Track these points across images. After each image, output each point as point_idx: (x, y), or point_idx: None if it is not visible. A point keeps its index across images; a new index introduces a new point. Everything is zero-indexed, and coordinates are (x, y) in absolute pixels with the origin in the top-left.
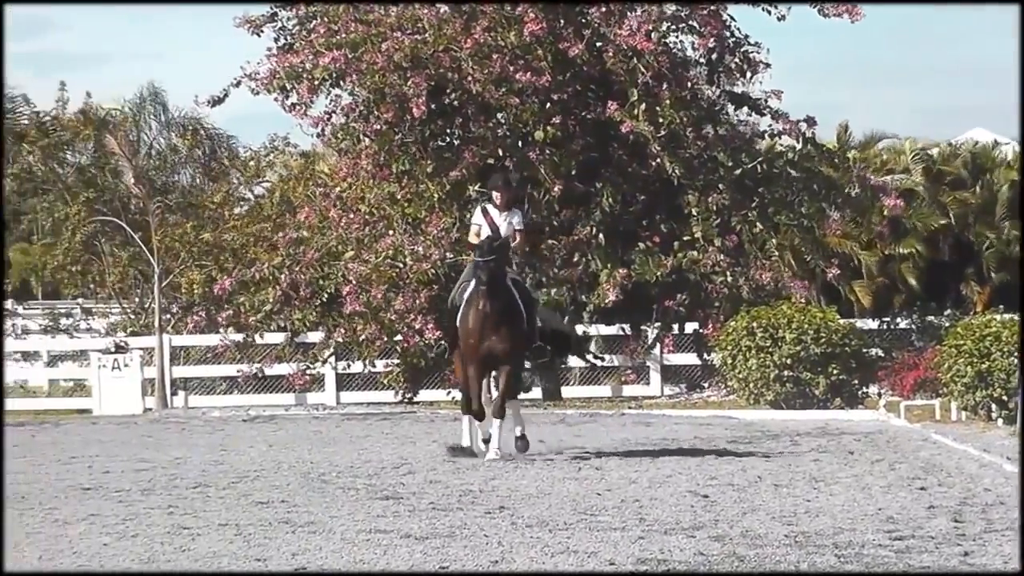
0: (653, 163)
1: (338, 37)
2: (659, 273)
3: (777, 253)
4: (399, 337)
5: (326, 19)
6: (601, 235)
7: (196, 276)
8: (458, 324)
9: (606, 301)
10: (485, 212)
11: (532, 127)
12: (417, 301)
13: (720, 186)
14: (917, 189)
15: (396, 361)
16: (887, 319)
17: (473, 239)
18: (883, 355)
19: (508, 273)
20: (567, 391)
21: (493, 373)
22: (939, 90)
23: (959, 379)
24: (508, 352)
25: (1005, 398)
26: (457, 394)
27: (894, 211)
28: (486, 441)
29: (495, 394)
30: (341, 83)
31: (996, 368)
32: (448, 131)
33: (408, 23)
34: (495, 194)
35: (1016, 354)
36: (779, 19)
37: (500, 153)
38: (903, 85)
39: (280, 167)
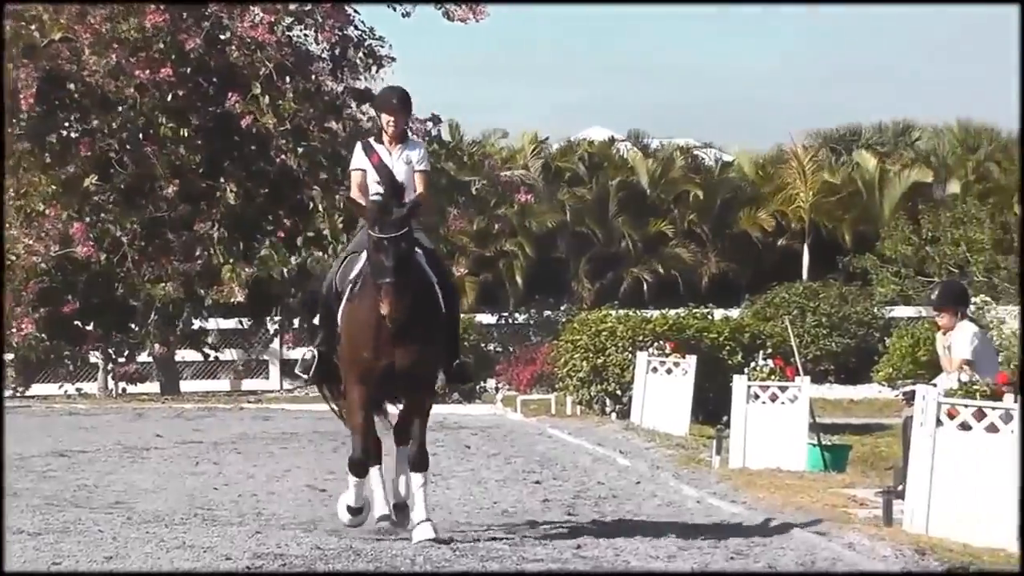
0: (277, 158)
1: None
2: (284, 270)
3: None
4: (13, 330)
5: None
6: (223, 230)
7: None
8: (343, 325)
9: (233, 300)
10: (369, 149)
11: (154, 121)
12: (24, 294)
13: (345, 182)
14: (537, 185)
15: (10, 356)
16: (505, 314)
17: (356, 193)
18: (500, 350)
19: (420, 248)
20: (184, 385)
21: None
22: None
23: (575, 374)
24: (424, 376)
25: (619, 392)
26: (71, 388)
27: (527, 206)
28: (358, 510)
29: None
30: None
31: (611, 363)
32: (67, 124)
33: (24, 11)
34: (385, 120)
35: (630, 349)
36: (404, 15)
37: (118, 147)
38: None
39: None
